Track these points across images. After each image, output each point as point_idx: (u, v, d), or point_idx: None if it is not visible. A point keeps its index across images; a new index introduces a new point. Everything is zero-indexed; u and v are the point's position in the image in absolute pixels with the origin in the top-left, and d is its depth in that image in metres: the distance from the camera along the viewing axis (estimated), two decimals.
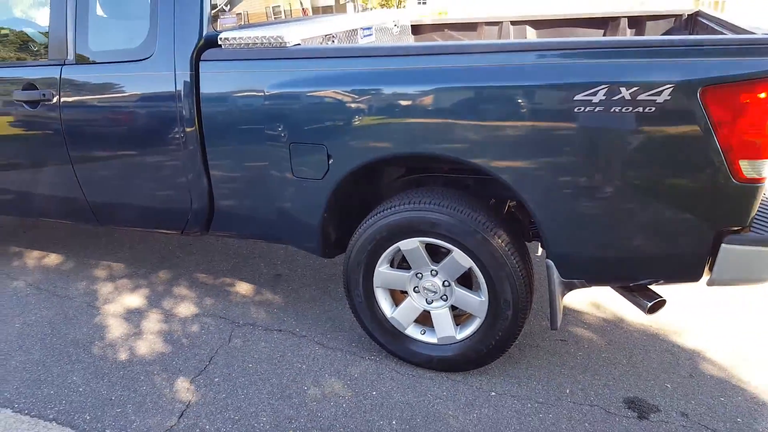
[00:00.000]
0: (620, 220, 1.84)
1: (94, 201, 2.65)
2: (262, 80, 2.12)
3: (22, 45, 2.81)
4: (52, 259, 3.37)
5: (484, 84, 1.82)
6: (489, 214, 2.04)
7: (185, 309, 2.80)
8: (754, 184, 1.68)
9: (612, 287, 2.10)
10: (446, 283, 2.15)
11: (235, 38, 2.16)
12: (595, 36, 3.25)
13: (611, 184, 1.79)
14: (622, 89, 1.68)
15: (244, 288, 2.99)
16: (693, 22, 3.05)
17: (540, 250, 2.80)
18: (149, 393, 2.22)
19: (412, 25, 3.44)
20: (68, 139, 2.50)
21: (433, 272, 2.15)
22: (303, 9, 3.14)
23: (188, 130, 2.28)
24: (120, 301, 2.88)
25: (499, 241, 1.98)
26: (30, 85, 2.52)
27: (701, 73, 1.62)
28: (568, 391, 2.19)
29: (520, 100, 1.78)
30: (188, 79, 2.22)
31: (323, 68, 2.04)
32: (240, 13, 2.56)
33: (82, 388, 2.25)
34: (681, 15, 3.09)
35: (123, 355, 2.45)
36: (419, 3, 25.66)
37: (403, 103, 1.92)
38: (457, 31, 3.35)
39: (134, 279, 3.11)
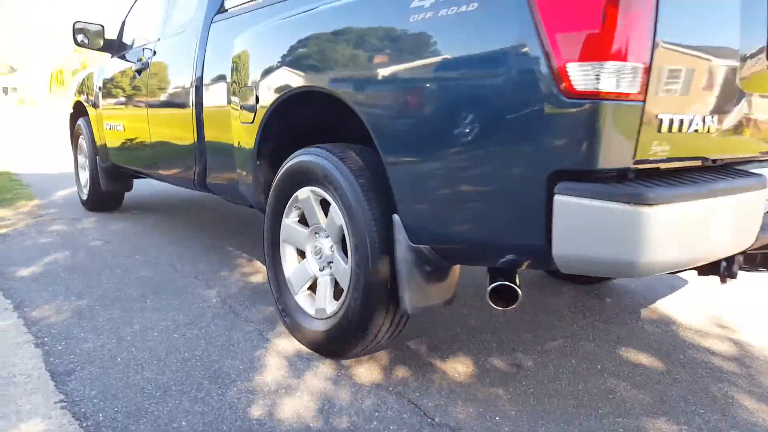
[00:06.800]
0: (450, 167, 1.45)
1: None
2: None
3: None
4: (246, 271, 2.86)
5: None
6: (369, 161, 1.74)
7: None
8: (592, 100, 1.12)
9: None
10: (333, 248, 1.86)
11: None
12: None
13: (441, 119, 1.43)
14: None
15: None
16: None
17: None
18: None
19: None
20: None
21: (325, 233, 1.90)
22: None
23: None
24: (286, 334, 2.11)
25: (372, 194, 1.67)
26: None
27: None
28: None
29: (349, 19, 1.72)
30: None
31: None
32: None
33: None
34: None
35: (255, 420, 1.61)
36: None
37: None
38: None
39: None
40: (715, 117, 1.36)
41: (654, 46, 1.16)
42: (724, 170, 1.45)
